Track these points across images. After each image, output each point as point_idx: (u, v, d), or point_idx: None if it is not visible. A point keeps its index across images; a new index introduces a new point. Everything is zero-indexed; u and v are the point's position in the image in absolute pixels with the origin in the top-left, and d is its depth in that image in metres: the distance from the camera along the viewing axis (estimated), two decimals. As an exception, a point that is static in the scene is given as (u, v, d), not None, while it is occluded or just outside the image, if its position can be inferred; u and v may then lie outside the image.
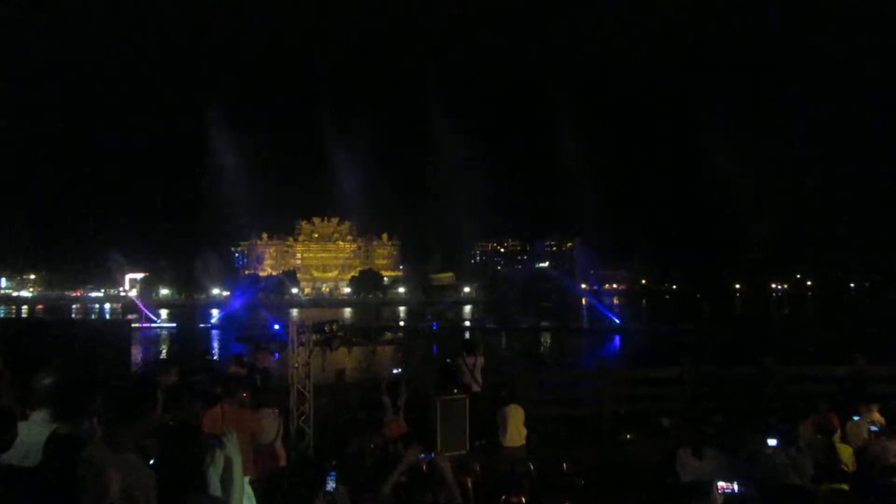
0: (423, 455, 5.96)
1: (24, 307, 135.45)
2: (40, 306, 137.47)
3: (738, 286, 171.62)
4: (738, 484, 5.54)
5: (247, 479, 3.95)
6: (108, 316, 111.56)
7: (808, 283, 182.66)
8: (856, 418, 7.81)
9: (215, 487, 3.50)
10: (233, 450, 3.56)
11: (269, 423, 6.78)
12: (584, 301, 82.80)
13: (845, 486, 6.35)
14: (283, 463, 6.92)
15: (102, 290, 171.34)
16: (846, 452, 6.95)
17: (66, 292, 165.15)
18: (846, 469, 6.77)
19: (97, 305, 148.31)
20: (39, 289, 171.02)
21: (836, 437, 7.16)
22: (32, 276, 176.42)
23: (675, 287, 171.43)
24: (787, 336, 50.30)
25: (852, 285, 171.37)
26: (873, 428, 7.57)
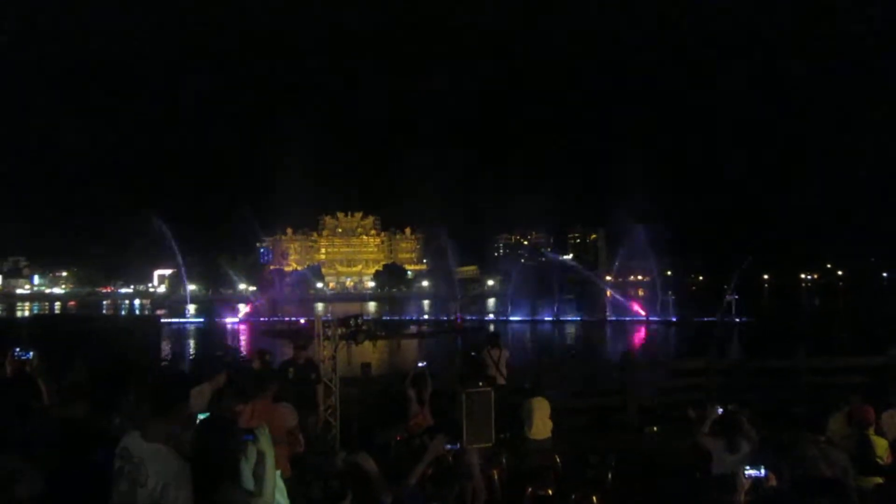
0: (448, 446, 5.99)
1: (57, 303, 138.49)
2: (72, 302, 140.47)
3: (766, 277, 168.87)
4: (766, 469, 5.46)
5: (278, 472, 4.01)
6: (137, 311, 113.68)
7: (839, 273, 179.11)
8: (890, 410, 7.64)
9: (248, 481, 3.55)
10: (265, 444, 3.61)
11: (291, 414, 6.92)
12: (608, 293, 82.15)
13: (879, 479, 6.25)
14: (302, 448, 7.07)
15: (132, 287, 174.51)
16: (881, 445, 6.82)
17: (97, 288, 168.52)
18: (880, 462, 6.64)
19: (127, 301, 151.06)
20: (71, 285, 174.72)
21: (871, 429, 7.02)
22: (64, 273, 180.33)
23: (701, 278, 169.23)
24: (817, 327, 49.43)
25: (885, 275, 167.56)
26: None
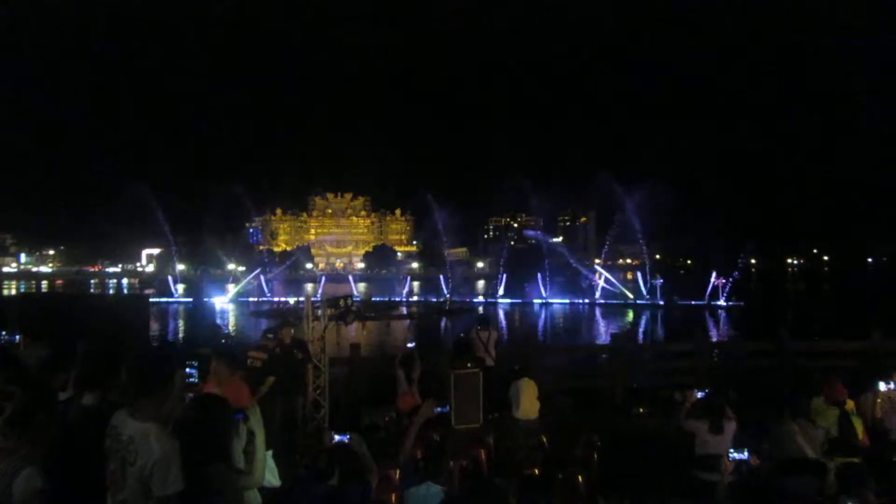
0: (438, 409, 6.02)
1: (44, 282, 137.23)
2: (59, 281, 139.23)
3: (753, 261, 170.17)
4: (749, 453, 5.59)
5: (269, 452, 4.04)
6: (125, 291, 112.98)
7: (825, 257, 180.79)
8: (867, 393, 7.76)
9: (238, 459, 3.59)
10: (255, 423, 3.64)
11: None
12: (597, 276, 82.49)
13: (856, 460, 6.37)
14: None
15: (120, 266, 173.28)
16: (858, 426, 6.95)
17: (85, 267, 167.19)
18: (855, 442, 6.77)
19: (115, 280, 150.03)
20: (58, 264, 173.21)
21: (851, 407, 7.14)
22: (51, 252, 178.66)
23: (689, 262, 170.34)
24: (802, 311, 49.94)
25: (870, 260, 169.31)
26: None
